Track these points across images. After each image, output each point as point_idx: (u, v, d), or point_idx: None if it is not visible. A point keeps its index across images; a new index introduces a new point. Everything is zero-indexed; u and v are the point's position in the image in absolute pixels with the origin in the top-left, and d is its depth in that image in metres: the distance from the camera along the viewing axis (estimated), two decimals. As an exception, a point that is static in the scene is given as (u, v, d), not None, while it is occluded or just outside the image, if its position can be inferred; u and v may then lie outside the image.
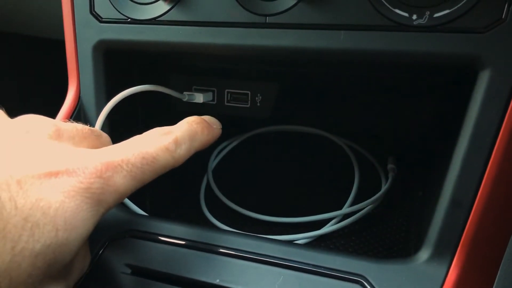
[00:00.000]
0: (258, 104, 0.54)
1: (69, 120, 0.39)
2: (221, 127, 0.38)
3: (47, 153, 0.26)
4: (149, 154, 0.29)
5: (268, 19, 0.35)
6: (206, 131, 0.35)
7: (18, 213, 0.22)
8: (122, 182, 0.27)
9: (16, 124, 0.29)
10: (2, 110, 0.31)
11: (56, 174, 0.25)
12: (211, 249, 0.36)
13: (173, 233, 0.37)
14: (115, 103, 0.41)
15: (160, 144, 0.30)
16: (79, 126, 0.32)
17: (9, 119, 0.30)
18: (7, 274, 0.22)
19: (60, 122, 0.31)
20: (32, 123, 0.29)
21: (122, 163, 0.27)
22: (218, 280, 0.33)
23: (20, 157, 0.25)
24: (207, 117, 0.37)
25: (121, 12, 0.40)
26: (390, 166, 0.55)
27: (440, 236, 0.33)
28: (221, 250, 0.36)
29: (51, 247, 0.23)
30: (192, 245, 0.36)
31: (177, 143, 0.31)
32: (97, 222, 0.27)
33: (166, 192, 0.57)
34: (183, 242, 0.37)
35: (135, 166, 0.28)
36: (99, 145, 0.32)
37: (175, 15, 0.38)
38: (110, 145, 0.34)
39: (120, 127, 0.45)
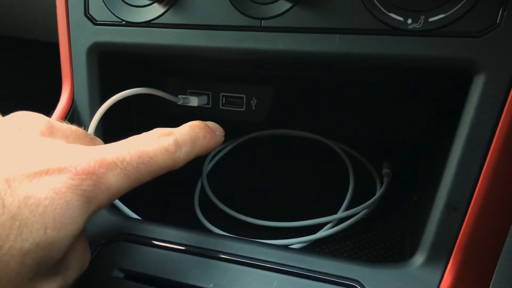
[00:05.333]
0: (253, 108, 0.54)
1: (64, 121, 0.38)
2: (224, 134, 0.38)
3: (39, 151, 0.26)
4: (146, 153, 0.29)
5: (263, 23, 0.35)
6: (208, 137, 0.35)
7: (6, 212, 0.22)
8: (115, 180, 0.27)
9: (8, 121, 0.28)
10: None
11: (46, 172, 0.24)
12: (205, 253, 0.36)
13: (167, 237, 0.37)
14: (109, 105, 0.40)
15: (159, 145, 0.30)
16: (73, 127, 0.31)
17: (0, 116, 0.30)
18: None
19: (54, 120, 0.30)
20: (25, 119, 0.29)
21: (117, 161, 0.27)
22: (212, 285, 0.33)
23: (11, 155, 0.25)
24: (210, 123, 0.37)
25: (115, 14, 0.40)
26: (385, 170, 0.55)
27: (435, 241, 0.33)
28: (215, 254, 0.35)
29: (40, 246, 0.23)
30: (186, 249, 0.36)
31: (177, 145, 0.31)
32: (88, 219, 0.26)
33: (160, 195, 0.56)
34: (177, 247, 0.36)
35: (130, 164, 0.28)
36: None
37: (170, 18, 0.38)
38: None
39: (114, 130, 0.44)
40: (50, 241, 0.23)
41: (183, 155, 0.31)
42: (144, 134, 0.31)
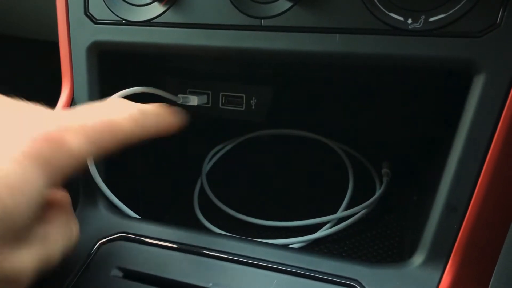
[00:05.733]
0: (253, 107, 0.54)
1: None
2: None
3: None
4: (109, 119, 0.28)
5: (264, 22, 0.35)
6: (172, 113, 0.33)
7: None
8: (76, 145, 0.26)
9: None
10: None
11: (2, 141, 0.24)
12: (204, 252, 0.36)
13: (166, 236, 0.37)
14: (109, 105, 0.40)
15: (125, 111, 0.29)
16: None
17: None
18: None
19: None
20: None
21: (79, 127, 0.26)
22: (211, 284, 0.33)
23: None
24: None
25: (115, 13, 0.40)
26: (384, 170, 0.55)
27: (434, 241, 0.33)
28: (214, 254, 0.35)
29: None
30: (185, 248, 0.36)
31: (143, 113, 0.30)
32: (51, 186, 0.25)
33: (160, 195, 0.56)
34: (176, 246, 0.36)
35: (93, 129, 0.27)
36: None
37: (170, 17, 0.38)
38: None
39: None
40: (9, 211, 0.23)
41: (150, 123, 0.30)
42: (108, 99, 0.31)
